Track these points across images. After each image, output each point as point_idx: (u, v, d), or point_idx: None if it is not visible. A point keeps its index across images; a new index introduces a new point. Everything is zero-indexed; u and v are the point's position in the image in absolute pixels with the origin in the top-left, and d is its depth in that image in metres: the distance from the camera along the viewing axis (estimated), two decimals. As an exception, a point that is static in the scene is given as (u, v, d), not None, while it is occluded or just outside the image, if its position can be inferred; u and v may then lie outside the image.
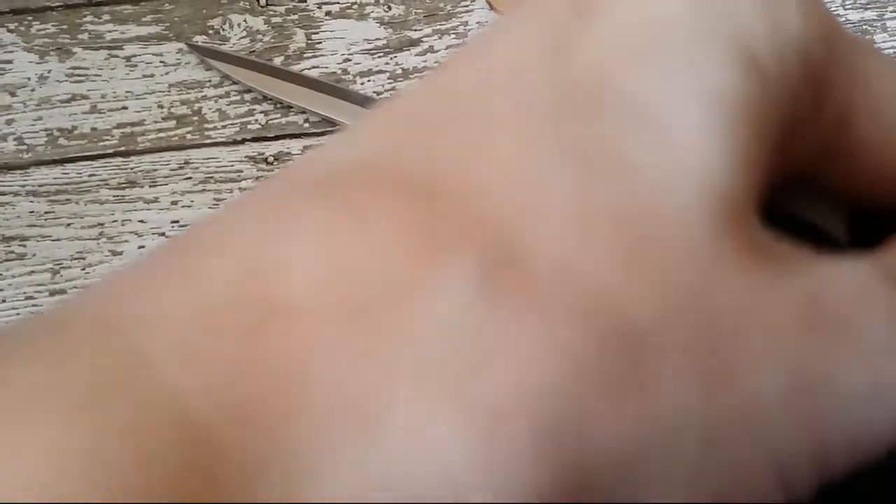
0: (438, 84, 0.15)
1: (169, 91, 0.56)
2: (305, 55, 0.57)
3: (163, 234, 0.53)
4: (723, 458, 0.13)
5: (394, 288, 0.12)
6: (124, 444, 0.11)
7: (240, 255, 0.13)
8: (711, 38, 0.14)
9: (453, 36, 0.58)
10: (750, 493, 0.13)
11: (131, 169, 0.54)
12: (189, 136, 0.55)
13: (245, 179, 0.54)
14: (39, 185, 0.54)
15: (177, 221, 0.53)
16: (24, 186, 0.54)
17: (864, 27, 0.58)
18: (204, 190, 0.54)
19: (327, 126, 0.55)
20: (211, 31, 0.58)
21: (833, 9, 0.59)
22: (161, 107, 0.56)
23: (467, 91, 0.14)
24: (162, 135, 0.55)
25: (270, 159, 0.55)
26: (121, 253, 0.52)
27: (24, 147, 0.55)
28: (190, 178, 0.54)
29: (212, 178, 0.54)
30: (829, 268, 0.14)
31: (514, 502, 0.12)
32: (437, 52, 0.58)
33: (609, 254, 0.13)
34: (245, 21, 0.58)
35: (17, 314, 0.51)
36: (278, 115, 0.56)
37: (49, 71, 0.57)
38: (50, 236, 0.53)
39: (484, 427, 0.12)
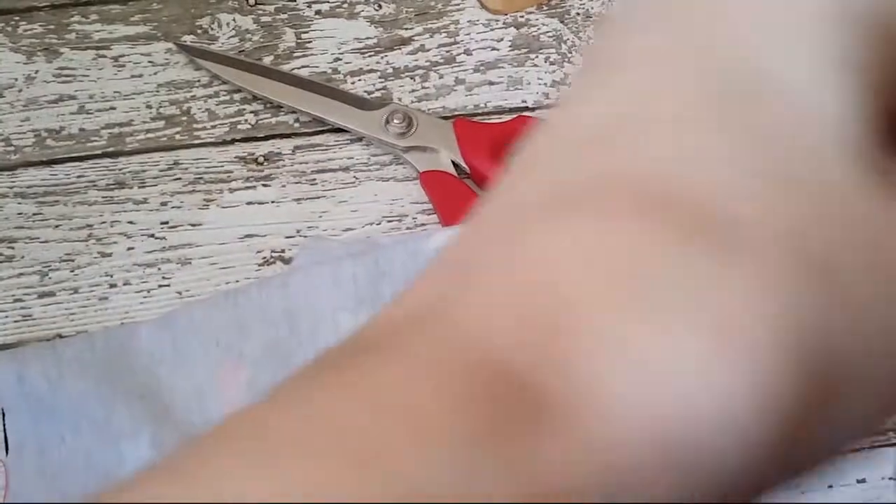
0: (600, 98, 0.18)
1: (157, 91, 0.56)
2: (295, 54, 0.57)
3: (152, 235, 0.52)
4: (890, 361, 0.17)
5: (638, 263, 0.16)
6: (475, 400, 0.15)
7: (524, 258, 0.17)
8: (831, 17, 0.18)
9: (444, 34, 0.58)
10: None
11: (120, 170, 0.54)
12: (178, 137, 0.55)
13: (235, 180, 0.54)
14: (27, 187, 0.53)
15: (166, 222, 0.53)
16: (11, 188, 0.53)
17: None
18: (193, 191, 0.53)
19: (318, 126, 0.55)
20: (200, 31, 0.58)
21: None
22: (150, 107, 0.55)
23: (631, 98, 0.18)
24: (151, 135, 0.55)
25: (261, 159, 0.54)
26: (110, 254, 0.52)
27: (12, 148, 0.54)
28: (179, 178, 0.54)
29: (201, 178, 0.54)
30: None
31: (772, 407, 0.16)
32: (427, 50, 0.57)
33: (786, 209, 0.17)
34: (234, 20, 0.58)
35: (6, 316, 0.50)
36: (268, 115, 0.56)
37: (36, 71, 0.56)
38: (38, 238, 0.52)
39: (733, 347, 0.16)
